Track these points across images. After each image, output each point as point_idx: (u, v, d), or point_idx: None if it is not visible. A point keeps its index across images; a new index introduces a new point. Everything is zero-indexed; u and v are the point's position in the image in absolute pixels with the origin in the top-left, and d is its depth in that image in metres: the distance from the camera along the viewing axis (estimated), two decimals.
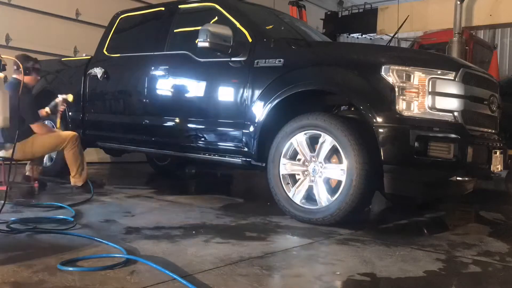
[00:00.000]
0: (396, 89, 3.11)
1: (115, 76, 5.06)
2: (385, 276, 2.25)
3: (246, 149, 3.77)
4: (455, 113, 3.16)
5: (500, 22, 7.80)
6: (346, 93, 3.41)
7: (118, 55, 5.14)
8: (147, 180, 6.25)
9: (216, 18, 4.18)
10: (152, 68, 4.54)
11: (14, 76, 4.28)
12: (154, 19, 5.08)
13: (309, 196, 3.40)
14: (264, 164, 3.69)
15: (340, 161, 3.25)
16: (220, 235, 2.89)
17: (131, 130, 4.79)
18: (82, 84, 5.22)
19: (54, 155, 5.38)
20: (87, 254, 2.35)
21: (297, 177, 3.47)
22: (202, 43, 3.71)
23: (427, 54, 4.54)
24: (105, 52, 5.23)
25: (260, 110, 3.65)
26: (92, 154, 6.90)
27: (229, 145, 3.92)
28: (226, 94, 4.04)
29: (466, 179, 3.50)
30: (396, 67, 3.14)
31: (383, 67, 3.16)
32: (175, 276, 2.01)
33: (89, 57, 5.38)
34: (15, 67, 4.24)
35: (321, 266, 2.39)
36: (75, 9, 7.37)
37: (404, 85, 3.11)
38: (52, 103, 4.71)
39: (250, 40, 3.87)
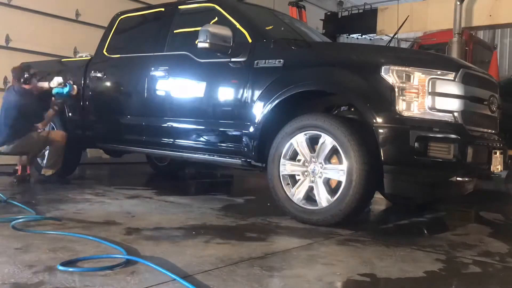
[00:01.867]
0: (396, 90, 3.11)
1: (115, 77, 5.07)
2: (385, 276, 2.26)
3: (246, 150, 3.77)
4: (455, 114, 3.16)
5: (500, 23, 7.81)
6: (346, 93, 3.41)
7: (118, 55, 5.14)
8: (147, 181, 6.25)
9: (216, 18, 4.17)
10: (152, 68, 4.54)
11: (17, 85, 4.90)
12: (154, 19, 5.08)
13: (309, 197, 3.40)
14: (264, 165, 3.69)
15: (340, 162, 3.25)
16: (220, 236, 2.90)
17: (131, 131, 4.79)
18: (82, 85, 5.22)
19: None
20: (87, 254, 2.35)
21: (297, 177, 3.47)
22: (202, 43, 3.71)
23: (427, 54, 4.54)
24: (105, 53, 5.22)
25: (260, 111, 3.65)
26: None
27: (229, 145, 3.92)
28: (226, 94, 4.04)
29: (466, 179, 3.50)
30: (396, 68, 3.14)
31: (383, 68, 3.16)
32: (175, 277, 2.01)
33: (89, 57, 5.38)
34: (16, 78, 4.90)
35: (321, 266, 2.38)
36: (75, 10, 7.37)
37: (404, 85, 3.11)
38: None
39: (250, 40, 3.87)
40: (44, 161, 5.23)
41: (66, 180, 5.07)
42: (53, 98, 5.05)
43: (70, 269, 2.09)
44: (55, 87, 5.01)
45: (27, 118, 4.83)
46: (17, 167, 5.01)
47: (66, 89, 4.99)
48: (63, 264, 2.12)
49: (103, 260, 2.27)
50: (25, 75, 4.87)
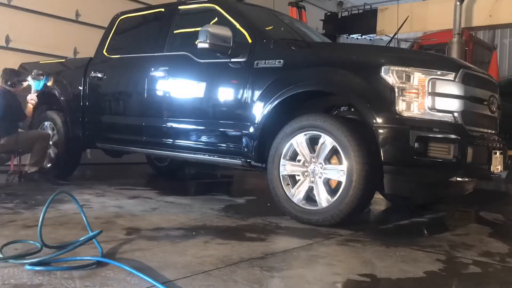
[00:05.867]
0: (396, 90, 3.11)
1: (115, 77, 5.07)
2: (385, 276, 2.26)
3: (246, 150, 3.77)
4: (455, 114, 3.16)
5: (499, 23, 7.81)
6: (345, 94, 3.41)
7: (118, 56, 5.14)
8: (147, 181, 6.25)
9: (216, 19, 4.18)
10: (152, 69, 4.54)
11: (4, 86, 5.10)
12: (154, 20, 5.08)
13: (309, 197, 3.40)
14: (264, 165, 3.69)
15: (340, 162, 3.25)
16: (220, 236, 2.90)
17: (130, 131, 4.79)
18: (82, 85, 5.22)
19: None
20: (86, 254, 2.34)
21: (297, 178, 3.47)
22: (202, 44, 3.71)
23: (427, 54, 4.54)
24: (105, 53, 5.22)
25: (260, 111, 3.65)
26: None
27: (229, 145, 3.92)
28: (226, 95, 4.04)
29: (466, 179, 3.50)
30: (396, 68, 3.14)
31: (382, 68, 3.16)
32: (155, 283, 2.00)
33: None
34: (5, 80, 5.12)
35: (321, 267, 2.39)
36: (75, 10, 7.37)
37: (404, 85, 3.12)
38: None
39: (250, 41, 3.87)
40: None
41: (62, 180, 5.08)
42: (29, 96, 5.17)
43: (40, 268, 2.08)
44: (34, 79, 5.17)
45: (11, 119, 4.99)
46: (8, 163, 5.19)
47: (43, 81, 5.19)
48: (31, 264, 2.11)
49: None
50: (15, 79, 5.10)
